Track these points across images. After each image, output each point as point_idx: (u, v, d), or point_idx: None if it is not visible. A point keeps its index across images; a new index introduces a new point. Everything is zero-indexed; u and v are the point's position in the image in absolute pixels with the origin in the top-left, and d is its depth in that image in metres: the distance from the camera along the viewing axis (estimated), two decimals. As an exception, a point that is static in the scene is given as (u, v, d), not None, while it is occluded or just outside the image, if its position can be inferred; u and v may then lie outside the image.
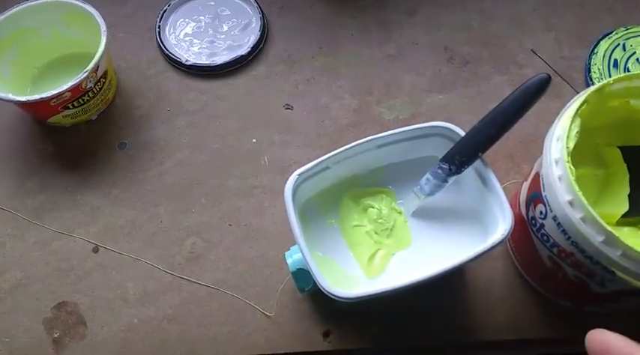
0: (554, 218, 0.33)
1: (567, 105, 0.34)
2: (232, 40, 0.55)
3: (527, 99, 0.33)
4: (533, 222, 0.37)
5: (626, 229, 0.36)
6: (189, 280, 0.44)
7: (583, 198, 0.30)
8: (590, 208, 0.30)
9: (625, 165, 0.37)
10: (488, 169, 0.36)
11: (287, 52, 0.55)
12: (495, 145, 0.49)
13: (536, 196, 0.36)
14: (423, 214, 0.40)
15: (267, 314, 0.42)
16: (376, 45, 0.56)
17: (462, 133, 0.37)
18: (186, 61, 0.53)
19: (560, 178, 0.32)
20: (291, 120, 0.51)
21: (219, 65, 0.53)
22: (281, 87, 0.53)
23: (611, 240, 0.29)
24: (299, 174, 0.36)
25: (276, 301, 0.42)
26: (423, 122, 0.39)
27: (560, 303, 0.41)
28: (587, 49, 0.54)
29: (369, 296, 0.32)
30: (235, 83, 0.53)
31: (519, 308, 0.42)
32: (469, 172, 0.37)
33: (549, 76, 0.33)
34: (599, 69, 0.52)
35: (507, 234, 0.33)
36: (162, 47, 0.54)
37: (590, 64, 0.53)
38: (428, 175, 0.37)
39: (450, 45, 0.55)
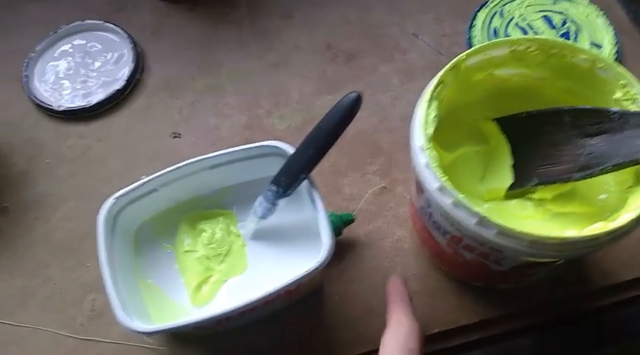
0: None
1: (424, 89, 0.33)
2: (106, 75, 0.52)
3: (340, 121, 0.32)
4: (423, 211, 0.35)
5: (514, 202, 0.35)
6: (94, 340, 0.41)
7: (449, 184, 0.29)
8: (456, 193, 0.29)
9: (503, 137, 0.36)
10: (314, 190, 0.34)
11: (165, 78, 0.53)
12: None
13: (419, 186, 0.35)
14: (263, 236, 0.38)
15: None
16: (257, 55, 0.54)
17: (291, 152, 0.35)
18: (59, 106, 0.50)
19: (426, 166, 0.30)
20: (179, 148, 0.49)
21: (95, 105, 0.50)
22: (164, 116, 0.50)
23: (483, 221, 0.28)
24: (116, 198, 0.35)
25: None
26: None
27: (475, 285, 0.40)
28: (467, 22, 0.54)
29: (166, 329, 0.30)
30: (116, 120, 0.50)
31: (437, 299, 0.41)
32: (304, 192, 0.36)
33: (359, 95, 0.32)
34: (479, 41, 0.52)
35: (324, 261, 0.31)
36: (32, 97, 0.51)
37: (470, 37, 0.53)
38: (260, 198, 0.36)
39: (331, 42, 0.54)
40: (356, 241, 0.43)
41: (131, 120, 0.50)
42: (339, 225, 0.41)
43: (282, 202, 0.36)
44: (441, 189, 0.29)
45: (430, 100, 0.32)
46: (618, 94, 0.33)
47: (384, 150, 0.48)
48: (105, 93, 0.51)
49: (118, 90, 0.50)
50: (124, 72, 0.52)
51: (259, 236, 0.38)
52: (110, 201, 0.35)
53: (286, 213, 0.37)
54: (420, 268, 0.42)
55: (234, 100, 0.51)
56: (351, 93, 0.32)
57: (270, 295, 0.30)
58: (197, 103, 0.51)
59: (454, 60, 0.33)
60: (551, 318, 0.40)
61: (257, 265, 0.37)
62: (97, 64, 0.53)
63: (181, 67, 0.53)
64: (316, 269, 0.31)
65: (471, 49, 0.34)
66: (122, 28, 0.54)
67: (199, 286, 0.36)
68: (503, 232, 0.28)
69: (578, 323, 0.40)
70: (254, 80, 0.52)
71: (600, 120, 0.32)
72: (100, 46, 0.54)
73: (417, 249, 0.43)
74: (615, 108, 0.32)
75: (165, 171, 0.36)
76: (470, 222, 0.29)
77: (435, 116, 0.31)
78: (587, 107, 0.33)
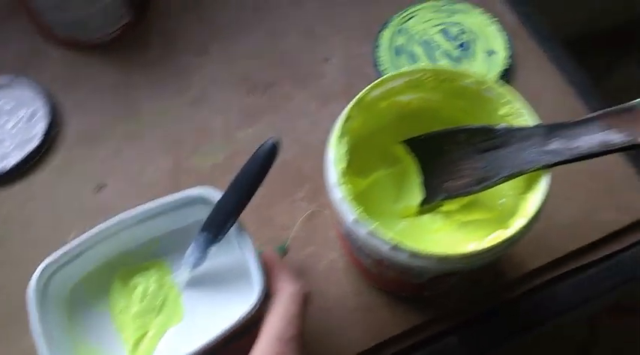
0: (354, 234, 0.34)
1: (334, 126, 0.36)
2: (21, 134, 0.51)
3: (259, 170, 0.33)
4: (348, 237, 0.38)
5: (425, 217, 0.38)
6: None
7: (363, 215, 0.31)
8: (370, 223, 0.31)
9: (411, 157, 0.39)
10: (242, 236, 0.35)
11: (84, 129, 0.52)
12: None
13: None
14: (198, 283, 0.38)
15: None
16: (176, 95, 0.54)
17: (217, 198, 0.36)
18: (-29, 175, 0.48)
19: (341, 200, 0.33)
20: (105, 200, 0.49)
21: (12, 168, 0.49)
22: (87, 169, 0.50)
23: (395, 247, 0.31)
24: (44, 267, 0.34)
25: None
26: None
27: (404, 296, 0.43)
28: (373, 43, 0.57)
29: None
30: (37, 180, 0.50)
31: (371, 313, 0.43)
32: (233, 235, 0.37)
33: (274, 143, 0.33)
34: (385, 60, 0.55)
35: (256, 305, 0.33)
36: (-57, 167, 0.49)
37: (376, 57, 0.55)
38: (192, 246, 0.37)
39: (248, 74, 0.55)
40: (292, 268, 0.45)
41: (52, 178, 0.50)
42: (273, 257, 0.43)
43: (213, 248, 0.37)
44: (356, 221, 0.32)
45: (340, 137, 0.34)
46: (503, 111, 0.36)
47: (308, 176, 0.50)
48: (21, 154, 0.50)
49: (35, 149, 0.50)
50: (39, 128, 0.51)
51: (194, 283, 0.39)
52: (38, 271, 0.34)
53: (219, 256, 0.38)
54: (353, 286, 0.44)
55: (156, 143, 0.52)
56: (267, 140, 0.33)
57: (204, 347, 0.31)
58: (119, 152, 0.51)
59: (358, 95, 0.35)
60: (473, 315, 0.44)
61: (194, 312, 0.38)
62: (10, 124, 0.52)
63: (99, 115, 0.53)
64: (250, 313, 0.32)
65: (372, 84, 0.36)
66: (33, 83, 0.53)
67: (137, 343, 0.36)
68: (414, 255, 0.31)
69: (497, 315, 0.44)
70: (175, 120, 0.53)
71: (490, 137, 0.35)
72: (11, 105, 0.53)
73: (349, 268, 0.45)
74: (501, 125, 0.35)
75: (90, 233, 0.36)
76: (384, 248, 0.31)
77: (347, 151, 0.34)
78: (478, 126, 0.36)
